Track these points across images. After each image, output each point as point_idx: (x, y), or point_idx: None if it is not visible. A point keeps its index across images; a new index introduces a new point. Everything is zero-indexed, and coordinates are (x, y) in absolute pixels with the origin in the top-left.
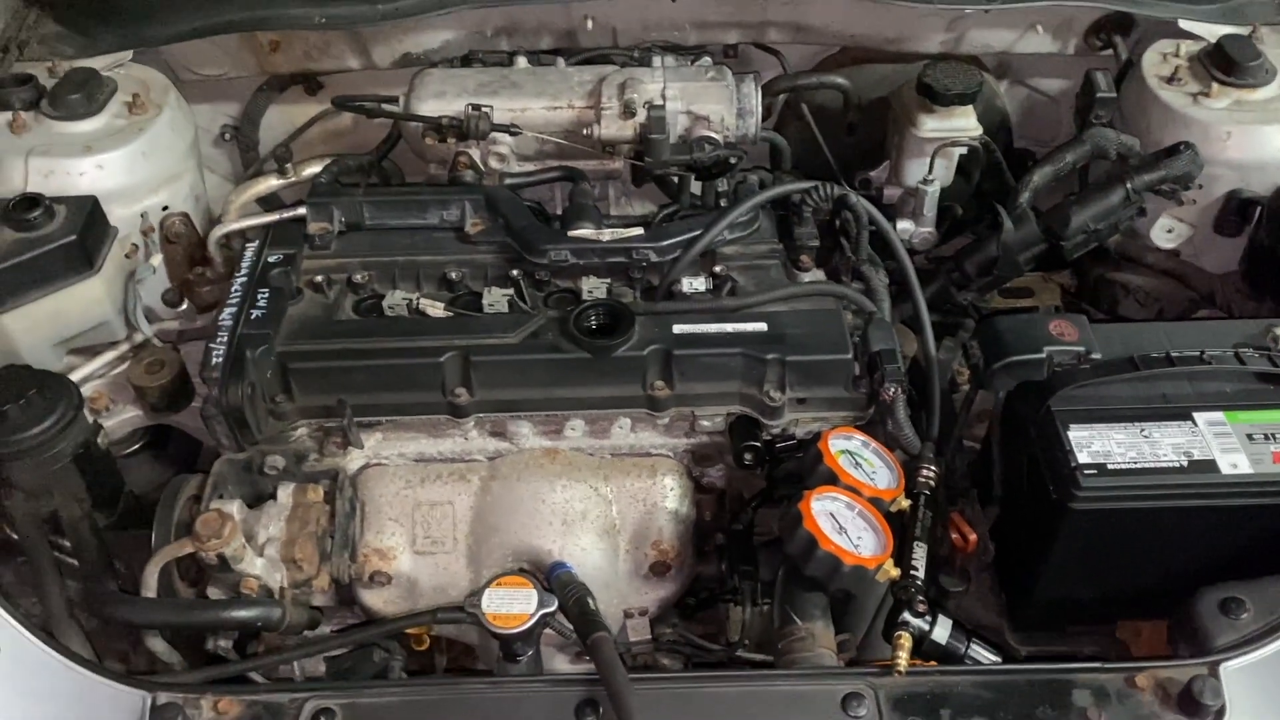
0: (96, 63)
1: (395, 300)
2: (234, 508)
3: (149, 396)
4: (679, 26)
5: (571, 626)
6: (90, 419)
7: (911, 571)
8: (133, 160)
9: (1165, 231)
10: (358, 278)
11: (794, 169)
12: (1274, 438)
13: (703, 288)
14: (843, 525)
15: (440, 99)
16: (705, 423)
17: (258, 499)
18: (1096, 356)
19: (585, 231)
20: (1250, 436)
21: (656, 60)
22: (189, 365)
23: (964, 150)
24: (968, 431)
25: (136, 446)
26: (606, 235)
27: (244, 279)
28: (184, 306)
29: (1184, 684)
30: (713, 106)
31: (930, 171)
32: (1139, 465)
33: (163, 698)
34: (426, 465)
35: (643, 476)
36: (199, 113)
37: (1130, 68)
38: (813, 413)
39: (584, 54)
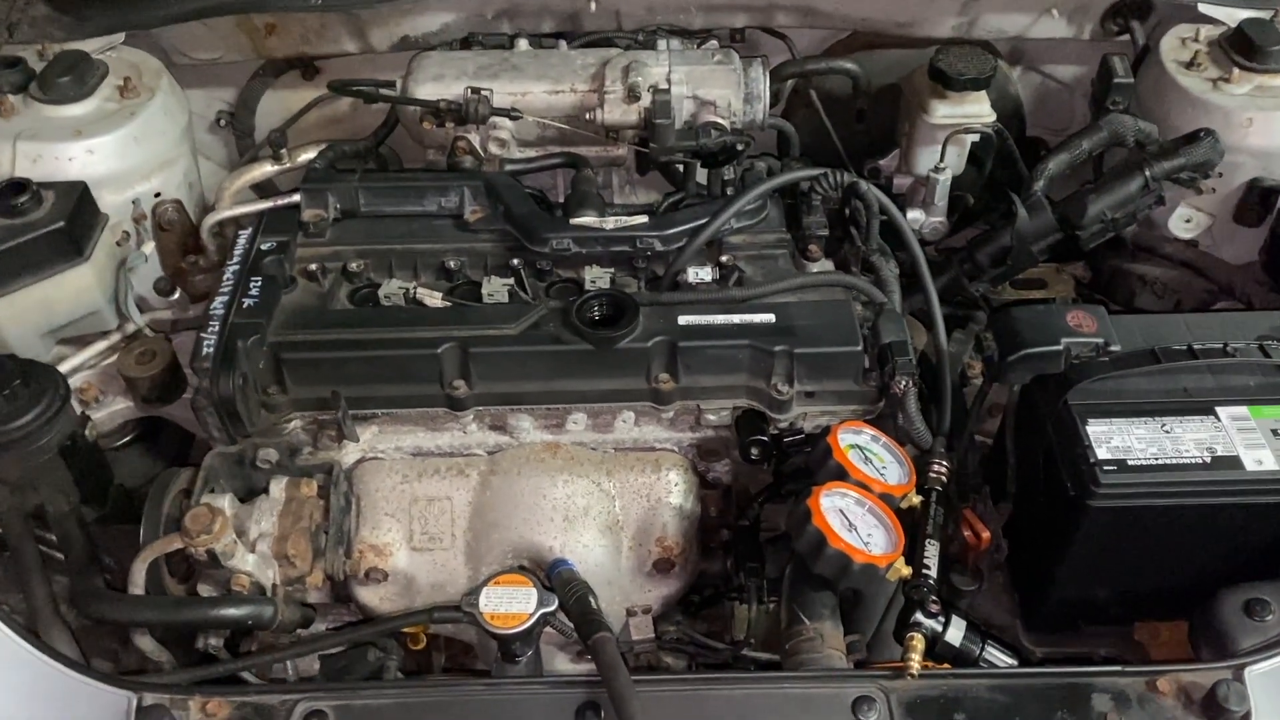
0: (87, 45)
1: (391, 289)
2: (225, 502)
3: (140, 388)
4: (685, 9)
5: (572, 626)
6: (78, 410)
7: (923, 570)
8: (124, 145)
9: (1184, 221)
10: (353, 266)
11: (801, 157)
12: None
13: (709, 278)
14: (852, 522)
15: (439, 82)
16: (711, 416)
17: (250, 493)
18: (1116, 349)
19: (588, 220)
20: (1275, 432)
21: (661, 43)
22: (181, 355)
23: (976, 137)
24: (979, 426)
25: (127, 439)
26: (610, 224)
27: (236, 267)
28: (176, 295)
29: (1207, 689)
30: (719, 91)
31: (942, 159)
32: (1160, 461)
33: (149, 699)
34: (424, 459)
35: (646, 471)
36: (193, 98)
37: (1147, 53)
38: (821, 406)
39: (587, 37)
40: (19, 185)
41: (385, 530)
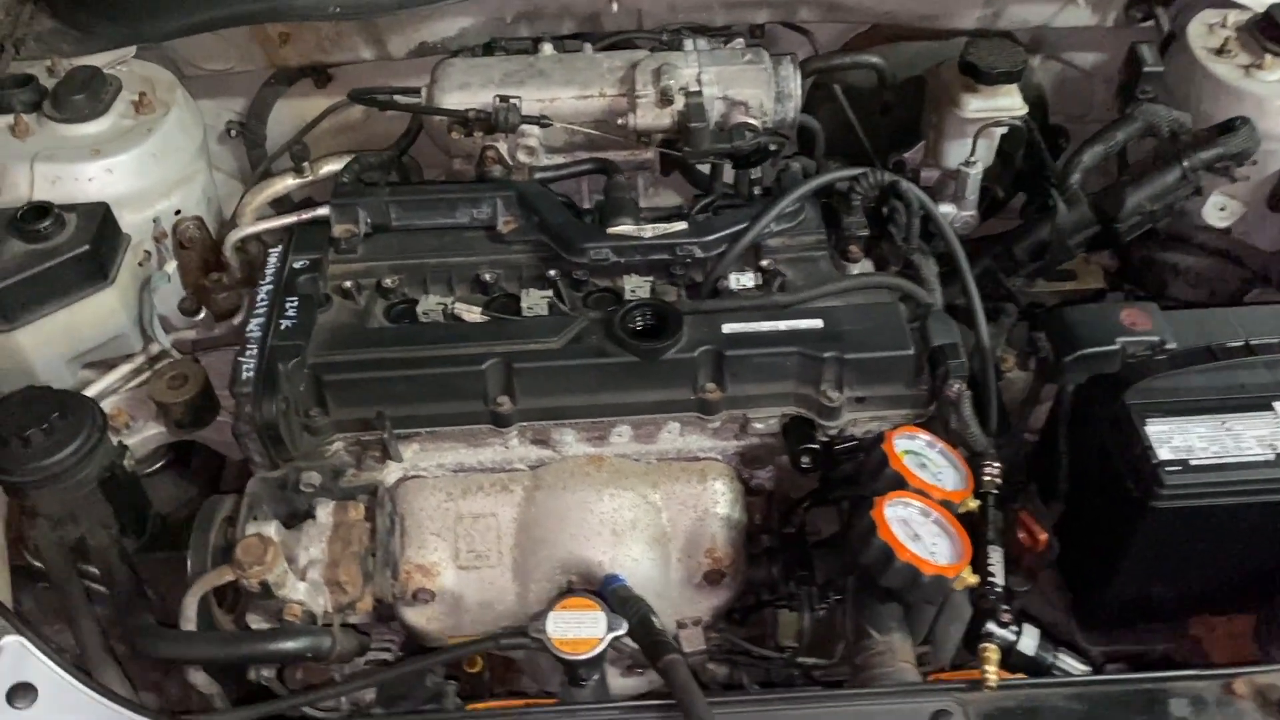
0: (98, 60)
1: (430, 305)
2: (272, 529)
3: (173, 413)
4: (707, 6)
5: (638, 647)
6: (114, 439)
7: (989, 578)
8: (143, 163)
9: (1218, 210)
10: (387, 282)
11: (832, 154)
12: None
13: (750, 284)
14: (916, 532)
15: (465, 90)
16: (758, 425)
17: (293, 517)
18: (1172, 346)
19: (626, 228)
20: None
21: (688, 43)
22: (210, 376)
23: (1005, 130)
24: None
25: (159, 464)
26: (649, 231)
27: (270, 286)
28: (202, 315)
29: None
30: (750, 91)
31: (973, 153)
32: (1223, 460)
33: None
34: (467, 476)
35: (692, 482)
36: (203, 109)
37: (1173, 40)
38: (871, 411)
39: (610, 38)
40: (41, 209)
41: (431, 550)
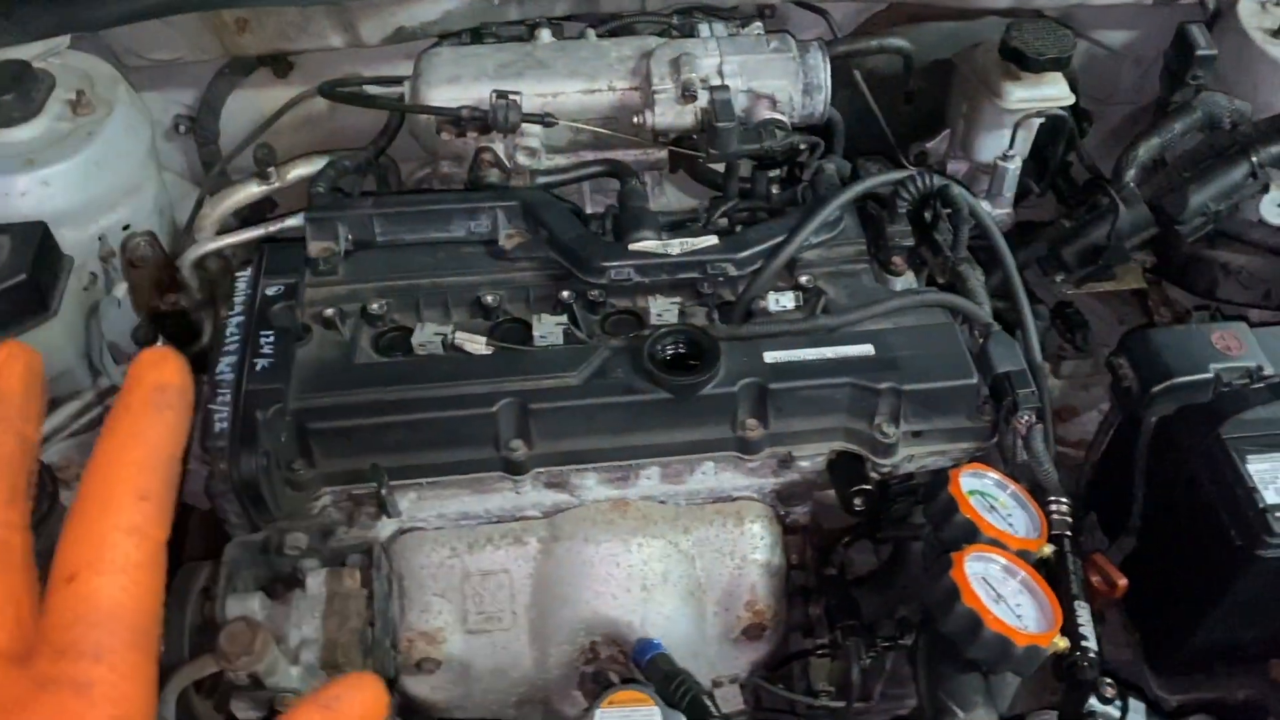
0: (25, 52)
1: (426, 336)
2: (255, 603)
3: None
4: None
5: None
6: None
7: (1082, 642)
8: (84, 172)
9: (1276, 205)
10: (374, 307)
11: (872, 155)
12: None
13: (790, 304)
14: (998, 592)
15: (455, 84)
16: (803, 463)
17: (276, 582)
18: (1270, 373)
19: (649, 244)
20: None
21: (704, 28)
22: None
23: (1043, 119)
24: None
25: None
26: (675, 247)
27: (240, 318)
28: (159, 344)
29: None
30: (777, 83)
31: (1011, 146)
32: None
33: None
34: (474, 528)
35: (728, 525)
36: (148, 102)
37: (1219, 19)
38: (929, 446)
39: (614, 21)
40: None
41: (435, 614)
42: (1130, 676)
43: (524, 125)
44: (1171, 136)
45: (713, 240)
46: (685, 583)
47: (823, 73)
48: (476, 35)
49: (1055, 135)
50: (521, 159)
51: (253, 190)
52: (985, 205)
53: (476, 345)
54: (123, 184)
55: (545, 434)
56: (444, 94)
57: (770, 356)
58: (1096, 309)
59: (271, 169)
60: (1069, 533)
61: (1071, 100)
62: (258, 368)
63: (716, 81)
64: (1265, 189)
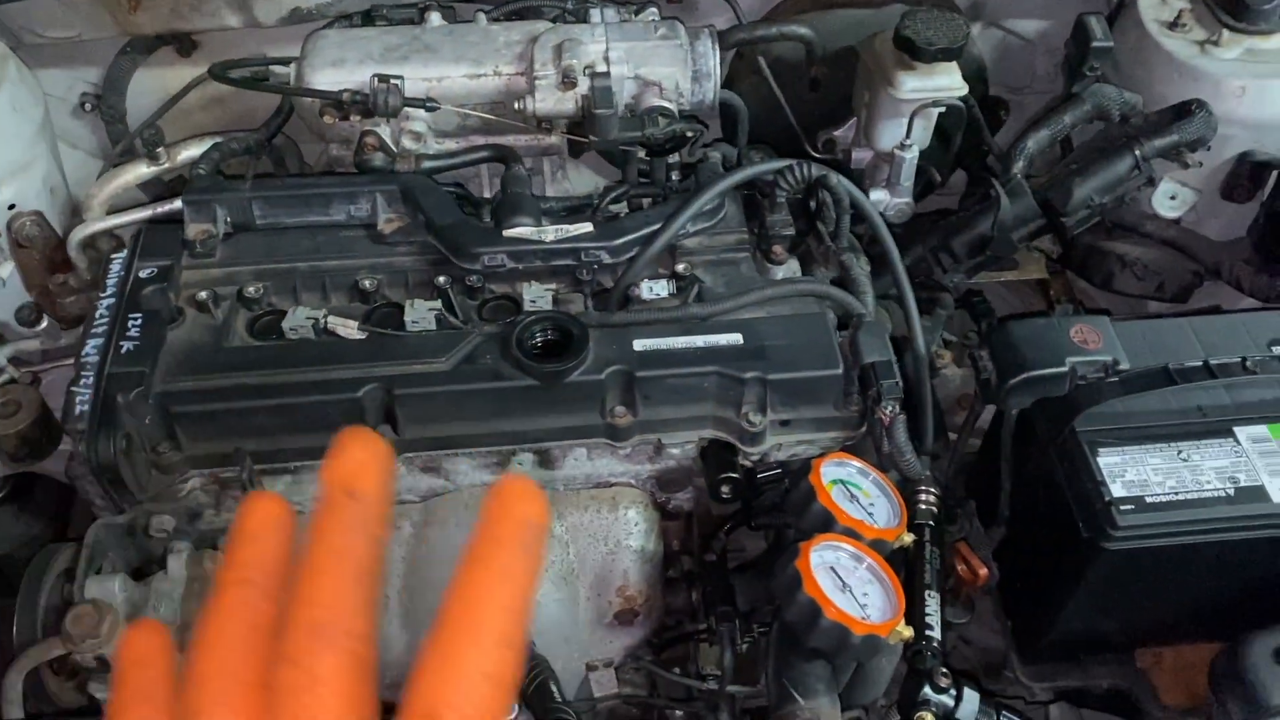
0: None
1: (298, 320)
2: (116, 584)
3: (6, 445)
4: None
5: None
6: None
7: (926, 631)
8: None
9: (1168, 198)
10: (250, 290)
11: (758, 143)
12: None
13: (665, 291)
14: (845, 580)
15: (339, 68)
16: (674, 450)
17: (145, 562)
18: (1125, 367)
19: (524, 230)
20: None
21: (595, 14)
22: (50, 398)
23: (943, 109)
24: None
25: None
26: (550, 234)
27: (110, 300)
28: (45, 324)
29: None
30: (664, 70)
31: (908, 135)
32: (1180, 497)
33: None
34: None
35: (603, 511)
36: (52, 79)
37: (1122, 10)
38: (797, 435)
39: (508, 6)
40: None
41: None
42: (1004, 664)
43: (408, 109)
44: (1061, 129)
45: (587, 228)
46: (558, 567)
47: (712, 60)
48: (368, 18)
49: (960, 124)
50: (407, 143)
51: (142, 171)
52: (883, 194)
53: (349, 330)
54: (9, 164)
55: (413, 419)
56: (328, 77)
57: (640, 344)
58: (1007, 298)
59: (160, 149)
60: (932, 522)
61: (964, 90)
62: (123, 350)
63: (602, 68)
64: (1151, 182)
